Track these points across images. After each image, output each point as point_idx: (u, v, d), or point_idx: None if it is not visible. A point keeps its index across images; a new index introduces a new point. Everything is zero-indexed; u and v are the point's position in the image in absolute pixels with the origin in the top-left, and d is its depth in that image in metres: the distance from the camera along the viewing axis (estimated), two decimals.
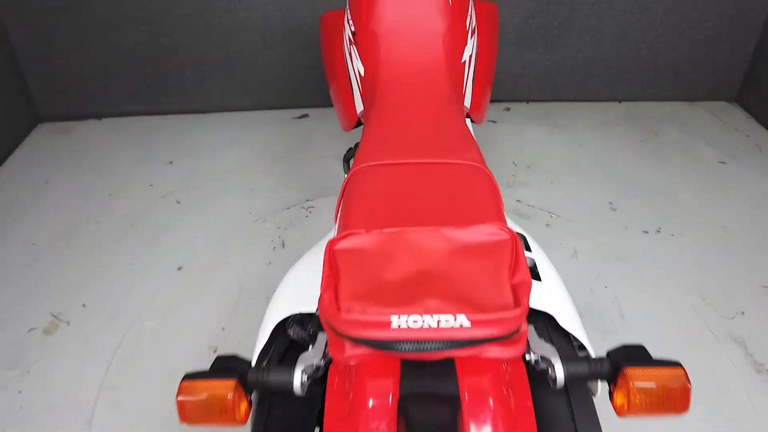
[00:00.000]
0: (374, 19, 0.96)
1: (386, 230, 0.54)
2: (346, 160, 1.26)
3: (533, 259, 0.73)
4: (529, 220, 1.88)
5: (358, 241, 0.54)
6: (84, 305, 1.63)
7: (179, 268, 1.74)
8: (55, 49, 2.35)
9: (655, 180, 2.09)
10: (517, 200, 1.99)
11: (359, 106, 1.04)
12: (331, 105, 1.46)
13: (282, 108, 2.57)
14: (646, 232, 1.86)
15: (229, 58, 2.42)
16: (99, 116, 2.54)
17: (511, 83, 2.54)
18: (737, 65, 2.47)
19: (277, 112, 2.56)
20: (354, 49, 1.01)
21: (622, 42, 2.41)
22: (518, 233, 0.77)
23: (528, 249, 0.80)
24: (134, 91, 2.49)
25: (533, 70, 2.50)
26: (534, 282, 0.70)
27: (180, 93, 2.51)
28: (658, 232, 1.86)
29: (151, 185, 2.12)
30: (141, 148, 2.35)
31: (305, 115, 2.54)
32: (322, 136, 2.38)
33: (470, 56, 1.03)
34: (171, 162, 2.25)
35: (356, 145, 1.27)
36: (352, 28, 1.01)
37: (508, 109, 2.56)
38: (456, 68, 0.97)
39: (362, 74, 1.00)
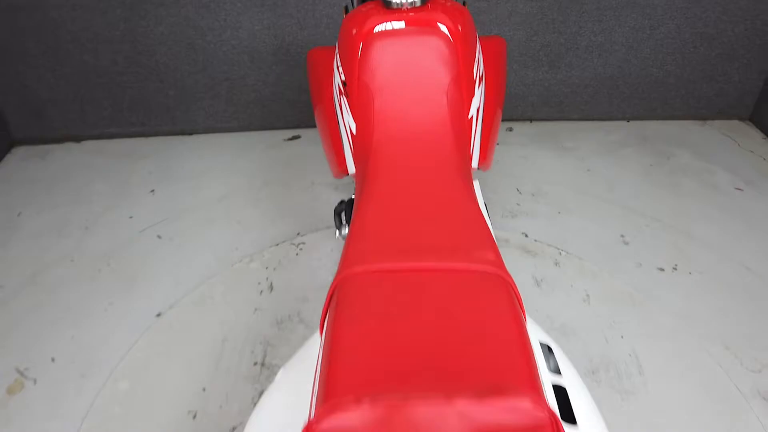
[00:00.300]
0: (367, 69, 0.82)
1: (382, 401, 0.41)
2: (338, 213, 1.12)
3: (563, 386, 0.60)
4: (536, 258, 1.75)
5: (345, 420, 0.40)
6: (53, 359, 1.49)
7: (158, 315, 1.60)
8: (27, 69, 2.20)
9: (669, 210, 1.96)
10: (523, 233, 1.86)
11: (351, 167, 0.90)
12: None
13: (272, 129, 2.43)
14: (661, 269, 1.73)
15: (215, 77, 2.28)
16: (78, 139, 2.39)
17: (514, 102, 2.41)
18: (752, 82, 2.35)
19: (266, 134, 2.42)
20: (344, 101, 0.87)
21: (631, 59, 2.28)
22: (543, 343, 0.64)
23: (552, 354, 0.66)
24: (114, 113, 2.34)
25: (537, 88, 2.37)
26: (566, 427, 0.56)
27: (163, 114, 2.36)
28: (675, 269, 1.73)
29: (130, 217, 1.98)
30: (121, 173, 2.20)
31: (296, 137, 2.41)
32: (315, 159, 2.25)
33: (478, 108, 0.89)
34: (153, 190, 2.10)
35: (350, 200, 1.14)
36: (342, 77, 0.87)
37: (510, 129, 2.43)
38: (462, 126, 0.84)
39: (354, 132, 0.86)
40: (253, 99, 2.35)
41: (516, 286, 0.60)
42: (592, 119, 2.46)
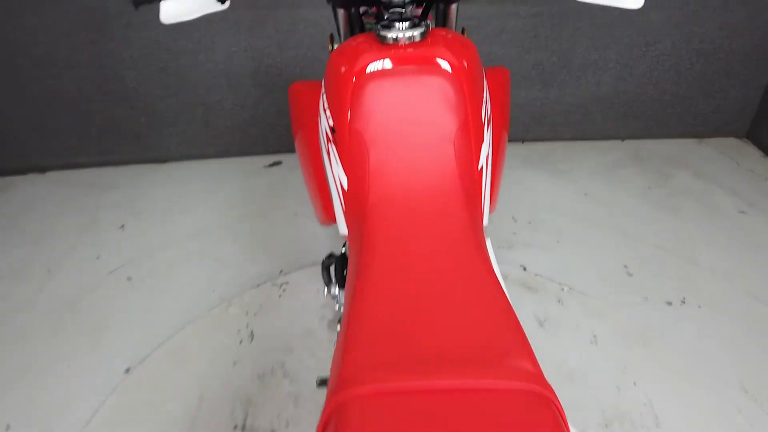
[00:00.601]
0: (360, 115, 0.69)
1: None
2: (326, 268, 0.99)
3: None
4: (538, 295, 1.63)
5: None
6: (8, 426, 1.33)
7: (127, 370, 1.45)
8: None
9: (671, 236, 1.87)
10: (522, 266, 1.74)
11: (342, 227, 0.78)
12: None
13: (251, 155, 2.30)
14: (669, 303, 1.62)
15: (190, 102, 2.14)
16: (42, 170, 2.23)
17: None
18: (749, 100, 2.27)
19: (245, 160, 2.28)
20: (333, 150, 0.75)
21: (626, 77, 2.19)
22: None
23: None
24: (81, 141, 2.19)
25: (529, 108, 2.27)
26: None
27: (134, 141, 2.22)
28: (683, 303, 1.62)
29: (98, 257, 1.82)
30: (89, 207, 2.05)
31: (277, 163, 2.27)
32: (297, 187, 2.11)
33: (487, 156, 0.77)
34: (122, 226, 1.95)
35: (342, 255, 1.01)
36: (330, 122, 0.74)
37: None
38: (473, 181, 0.71)
39: (345, 188, 0.73)
40: (230, 124, 2.21)
41: (558, 400, 0.47)
42: (586, 138, 2.37)
